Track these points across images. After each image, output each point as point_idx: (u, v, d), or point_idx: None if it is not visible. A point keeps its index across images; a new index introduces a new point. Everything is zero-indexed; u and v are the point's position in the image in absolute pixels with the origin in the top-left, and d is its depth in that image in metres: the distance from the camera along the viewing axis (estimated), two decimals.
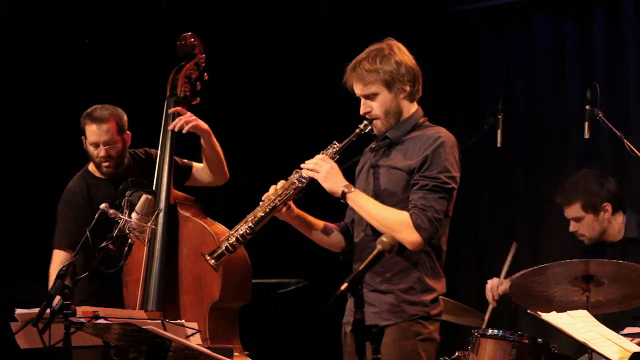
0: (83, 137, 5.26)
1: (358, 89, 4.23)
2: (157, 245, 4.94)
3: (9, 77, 6.65)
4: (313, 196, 4.25)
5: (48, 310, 3.88)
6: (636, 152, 5.41)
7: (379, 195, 4.19)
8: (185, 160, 5.32)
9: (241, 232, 4.18)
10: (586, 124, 5.46)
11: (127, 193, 4.38)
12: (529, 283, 4.97)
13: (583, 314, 4.46)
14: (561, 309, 4.52)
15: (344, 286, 3.10)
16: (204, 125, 5.11)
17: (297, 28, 7.19)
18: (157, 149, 5.22)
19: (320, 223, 4.37)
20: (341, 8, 7.19)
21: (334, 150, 4.22)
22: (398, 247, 3.98)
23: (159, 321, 4.13)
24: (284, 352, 6.95)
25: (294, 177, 4.22)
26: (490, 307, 5.62)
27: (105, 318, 3.92)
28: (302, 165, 4.21)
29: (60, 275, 3.95)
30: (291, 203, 4.26)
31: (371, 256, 3.19)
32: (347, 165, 4.34)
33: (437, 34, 7.27)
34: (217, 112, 7.06)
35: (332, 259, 4.58)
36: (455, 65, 7.25)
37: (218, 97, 6.89)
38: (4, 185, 6.62)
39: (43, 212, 5.46)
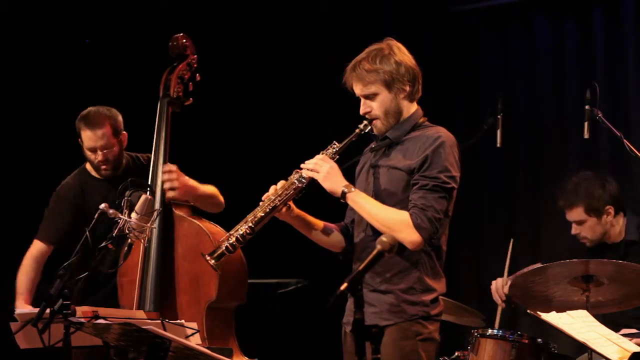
0: (79, 140, 5.27)
1: (358, 89, 4.23)
2: (153, 246, 4.94)
3: (9, 77, 6.65)
4: (313, 196, 4.25)
5: (48, 310, 3.89)
6: (636, 152, 5.41)
7: (379, 195, 4.19)
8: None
9: (241, 232, 4.18)
10: (586, 124, 5.46)
11: (127, 193, 4.39)
12: (529, 283, 4.97)
13: (583, 314, 4.46)
14: (561, 309, 4.52)
15: (343, 286, 3.10)
16: (188, 187, 5.04)
17: (297, 28, 7.19)
18: (180, 166, 5.25)
19: (320, 223, 4.37)
20: (341, 8, 7.19)
21: (334, 150, 4.23)
22: (398, 247, 4.00)
23: (159, 321, 4.13)
24: (284, 352, 6.95)
25: (294, 177, 4.22)
26: (500, 308, 5.62)
27: (105, 318, 3.92)
28: (302, 165, 4.21)
29: (59, 276, 3.95)
30: (291, 203, 4.26)
31: (371, 256, 3.19)
32: (347, 165, 4.34)
33: (437, 34, 7.27)
34: (217, 112, 7.10)
35: (332, 259, 4.58)
36: (455, 65, 7.25)
37: (218, 97, 6.91)
38: (4, 185, 6.62)
39: (43, 212, 5.45)
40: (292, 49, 7.14)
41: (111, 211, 4.25)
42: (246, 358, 4.88)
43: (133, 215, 4.39)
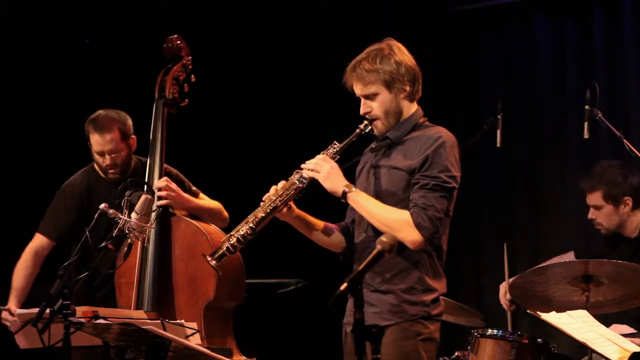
0: (88, 143, 5.26)
1: (358, 89, 4.23)
2: (150, 246, 4.94)
3: (9, 77, 6.64)
4: (313, 196, 4.25)
5: (48, 310, 3.89)
6: (635, 152, 5.42)
7: (380, 195, 4.19)
8: (194, 188, 5.31)
9: (242, 233, 4.18)
10: (586, 124, 5.46)
11: (127, 193, 4.39)
12: (529, 283, 4.97)
13: (583, 314, 4.46)
14: (561, 309, 4.53)
15: (343, 286, 3.10)
16: (181, 197, 5.05)
17: (297, 28, 7.19)
18: (175, 165, 5.25)
19: (320, 223, 4.37)
20: (341, 8, 7.19)
21: (335, 150, 4.22)
22: (398, 247, 4.00)
23: (159, 321, 4.13)
24: (284, 352, 6.95)
25: (294, 177, 4.22)
26: (509, 313, 5.64)
27: (104, 318, 3.92)
28: (302, 166, 4.21)
29: (59, 276, 3.95)
30: (292, 203, 4.26)
31: (371, 256, 3.19)
32: (348, 166, 4.34)
33: (437, 34, 7.27)
34: (217, 112, 7.10)
35: (332, 259, 4.58)
36: (455, 65, 7.25)
37: (218, 97, 6.91)
38: (4, 185, 6.62)
39: (44, 211, 5.45)
40: (292, 49, 7.14)
41: (111, 211, 4.25)
42: (244, 357, 4.88)
43: (133, 215, 4.39)
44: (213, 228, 5.00)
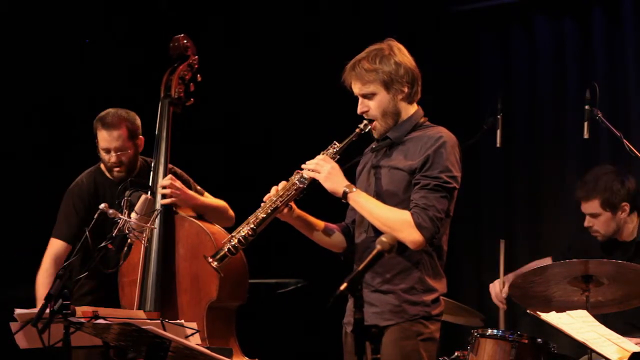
0: (96, 141, 5.26)
1: (356, 88, 4.23)
2: (154, 246, 4.94)
3: (9, 78, 6.64)
4: (314, 197, 4.25)
5: (48, 310, 3.89)
6: (635, 152, 5.42)
7: (380, 196, 4.19)
8: (199, 188, 5.31)
9: (243, 234, 4.19)
10: (586, 124, 5.46)
11: (127, 193, 4.39)
12: (529, 283, 4.97)
13: (582, 314, 4.46)
14: (561, 309, 4.53)
15: (343, 286, 3.10)
16: (186, 195, 5.05)
17: (297, 28, 7.19)
18: (181, 167, 5.25)
19: (321, 223, 4.37)
20: (341, 8, 7.19)
21: (335, 150, 4.23)
22: (399, 247, 4.00)
23: (159, 321, 4.13)
24: (284, 352, 6.95)
25: (295, 177, 4.22)
26: (502, 311, 5.63)
27: (104, 318, 3.92)
28: (303, 166, 4.21)
29: (59, 276, 3.95)
30: (292, 204, 4.26)
31: (370, 256, 3.19)
32: (348, 166, 4.34)
33: (437, 34, 7.27)
34: (217, 113, 7.09)
35: (332, 259, 4.58)
36: (455, 65, 7.25)
37: (218, 97, 6.91)
38: (4, 185, 6.62)
39: (43, 212, 5.45)
40: (292, 49, 7.14)
41: (111, 211, 4.25)
42: (246, 358, 4.88)
43: (133, 215, 4.39)
44: (217, 228, 5.00)
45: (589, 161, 6.72)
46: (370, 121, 4.24)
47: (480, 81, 7.31)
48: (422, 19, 7.22)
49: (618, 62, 6.86)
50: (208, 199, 5.25)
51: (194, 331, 4.16)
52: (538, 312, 4.43)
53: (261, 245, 4.72)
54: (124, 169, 5.22)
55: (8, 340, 4.29)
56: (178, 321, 4.24)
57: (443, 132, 4.21)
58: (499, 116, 5.94)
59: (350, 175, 4.31)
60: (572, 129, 6.82)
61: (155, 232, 4.91)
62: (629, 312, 5.21)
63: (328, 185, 4.16)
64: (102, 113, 5.25)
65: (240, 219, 4.26)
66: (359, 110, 4.24)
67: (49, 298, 3.89)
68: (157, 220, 4.89)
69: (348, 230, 4.39)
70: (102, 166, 5.32)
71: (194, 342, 4.09)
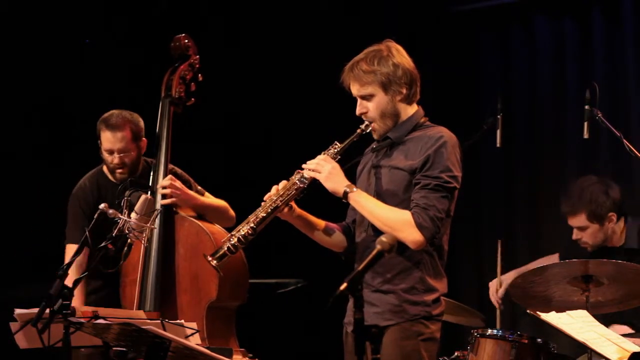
0: (99, 142, 5.25)
1: (355, 90, 4.23)
2: (154, 246, 4.94)
3: (8, 78, 6.65)
4: (314, 196, 4.25)
5: (47, 310, 3.89)
6: (635, 152, 5.41)
7: (381, 196, 4.19)
8: (200, 188, 5.31)
9: (243, 233, 4.19)
10: (585, 124, 5.46)
11: (127, 193, 4.39)
12: (529, 283, 4.97)
13: (582, 314, 4.46)
14: (560, 309, 4.53)
15: (343, 286, 3.10)
16: (186, 195, 5.05)
17: (297, 28, 7.19)
18: (182, 167, 5.25)
19: (321, 223, 4.37)
20: (341, 8, 7.19)
21: (335, 150, 4.23)
22: (399, 247, 4.01)
23: (159, 321, 4.13)
24: (284, 352, 6.95)
25: (295, 177, 4.22)
26: (498, 311, 5.63)
27: (104, 318, 3.92)
28: (303, 166, 4.21)
29: (59, 276, 3.95)
30: (293, 203, 4.26)
31: (370, 256, 3.19)
32: (349, 166, 4.34)
33: (437, 34, 7.27)
34: (218, 112, 7.09)
35: (331, 259, 4.58)
36: (455, 65, 7.25)
37: (218, 97, 6.91)
38: (4, 185, 6.62)
39: (43, 212, 5.45)
40: (292, 49, 7.14)
41: (111, 211, 4.25)
42: (246, 358, 4.88)
43: (133, 215, 4.39)
44: (217, 228, 5.00)
45: (589, 161, 6.73)
46: (371, 122, 4.24)
47: (480, 81, 7.31)
48: (422, 19, 7.22)
49: (618, 62, 6.86)
50: (208, 199, 5.25)
51: (193, 331, 4.16)
52: (538, 312, 4.43)
53: (261, 245, 4.73)
54: (127, 171, 5.22)
55: (8, 340, 4.29)
56: (178, 321, 4.24)
57: (444, 132, 4.21)
58: (499, 116, 5.94)
59: (351, 175, 4.31)
60: (572, 129, 6.82)
61: (155, 232, 4.91)
62: (629, 312, 5.22)
63: (329, 185, 4.16)
64: (106, 114, 5.24)
65: (240, 219, 4.26)
66: (357, 112, 4.24)
67: (48, 298, 3.89)
68: (157, 220, 4.90)
69: (349, 230, 4.39)
70: (104, 168, 5.31)
71: (194, 342, 4.09)
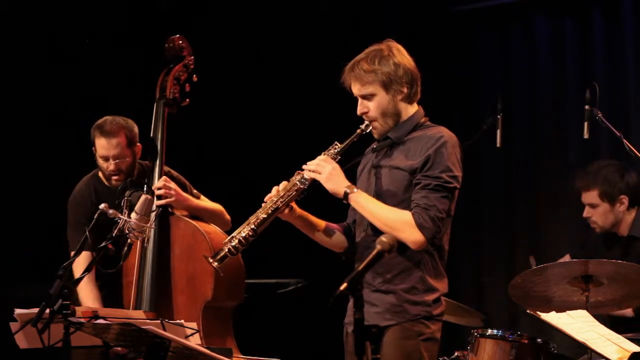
0: (93, 148, 5.24)
1: (355, 89, 4.23)
2: (149, 246, 4.94)
3: (8, 78, 6.64)
4: (315, 196, 4.25)
5: (47, 310, 3.89)
6: (635, 152, 5.42)
7: (381, 196, 4.19)
8: (195, 191, 5.30)
9: (244, 234, 4.18)
10: (585, 124, 5.46)
11: (127, 193, 4.39)
12: (529, 283, 4.97)
13: (582, 314, 4.46)
14: (560, 309, 4.53)
15: (343, 286, 3.10)
16: (180, 197, 5.04)
17: (297, 28, 7.19)
18: (180, 171, 5.25)
19: (322, 223, 4.37)
20: (341, 8, 7.19)
21: (336, 150, 4.22)
22: (400, 247, 4.01)
23: (159, 321, 4.13)
24: (284, 352, 6.94)
25: (295, 178, 4.22)
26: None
27: (104, 318, 3.92)
28: (303, 167, 4.21)
29: (59, 276, 3.95)
30: (293, 204, 4.26)
31: (370, 256, 3.19)
32: (349, 166, 4.34)
33: (437, 34, 7.27)
34: (217, 113, 7.09)
35: (332, 259, 4.58)
36: (455, 65, 7.25)
37: (218, 97, 6.90)
38: (4, 186, 6.62)
39: (43, 212, 5.45)
40: (292, 49, 7.14)
41: (111, 211, 4.25)
42: (244, 357, 4.88)
43: (133, 215, 4.39)
44: (212, 228, 5.00)
45: (589, 161, 6.69)
46: (371, 121, 4.24)
47: (480, 81, 7.32)
48: (422, 19, 7.22)
49: (618, 62, 6.87)
50: (204, 202, 5.24)
51: (193, 331, 4.16)
52: (538, 312, 4.43)
53: (261, 245, 4.72)
54: (123, 177, 5.19)
55: (8, 340, 4.29)
56: (178, 321, 4.24)
57: (444, 132, 4.21)
58: (499, 116, 5.94)
59: (351, 175, 4.31)
60: (572, 129, 6.82)
61: (151, 232, 4.90)
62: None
63: (329, 186, 4.16)
64: (100, 121, 5.22)
65: (240, 221, 4.25)
66: (358, 111, 4.24)
67: (48, 298, 3.89)
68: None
69: (349, 230, 4.39)
70: (99, 173, 5.30)
71: (194, 342, 4.09)
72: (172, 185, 5.01)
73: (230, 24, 7.33)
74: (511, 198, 7.21)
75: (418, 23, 7.14)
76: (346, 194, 4.15)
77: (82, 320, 3.90)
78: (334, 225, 4.38)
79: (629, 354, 4.22)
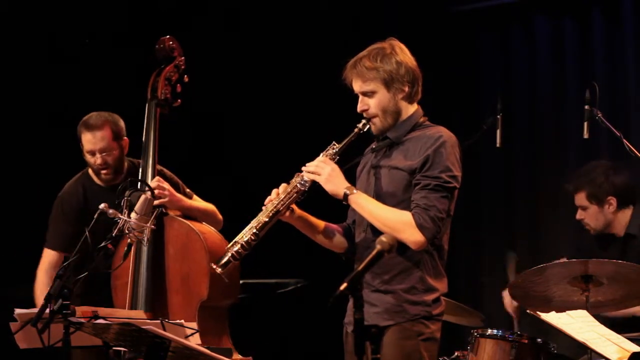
0: (80, 145, 5.25)
1: (357, 86, 4.23)
2: (144, 247, 4.93)
3: (8, 78, 6.64)
4: (315, 197, 4.25)
5: (47, 310, 3.89)
6: (635, 152, 5.42)
7: (380, 196, 4.19)
8: (188, 190, 5.30)
9: (246, 239, 4.18)
10: (585, 124, 5.47)
11: (127, 193, 4.38)
12: (529, 283, 4.97)
13: (582, 314, 4.46)
14: (560, 309, 4.53)
15: (343, 286, 3.10)
16: (173, 198, 5.04)
17: (297, 28, 7.19)
18: (173, 170, 5.25)
19: (322, 224, 4.37)
20: (341, 8, 7.19)
21: (334, 151, 4.23)
22: (400, 247, 4.01)
23: (159, 321, 4.13)
24: (284, 352, 6.95)
25: (295, 180, 4.22)
26: (516, 321, 5.64)
27: (104, 318, 3.92)
28: (303, 168, 4.21)
29: (59, 276, 3.95)
30: (293, 205, 4.26)
31: (370, 256, 3.19)
32: (349, 166, 4.34)
33: (437, 34, 7.27)
34: (217, 113, 7.09)
35: (332, 259, 4.58)
36: (455, 65, 7.25)
37: (218, 97, 6.91)
38: (4, 186, 6.62)
39: (43, 212, 5.45)
40: (292, 49, 7.14)
41: (111, 211, 4.25)
42: (241, 356, 4.88)
43: (133, 215, 4.39)
44: (206, 228, 5.00)
45: (588, 161, 6.71)
46: (369, 120, 4.24)
47: (480, 81, 7.32)
48: (422, 19, 7.22)
49: (618, 62, 6.87)
50: (197, 202, 5.24)
51: (194, 331, 4.16)
52: (538, 312, 4.43)
53: (261, 245, 4.72)
54: (111, 171, 5.21)
55: (8, 340, 4.29)
56: (178, 321, 4.24)
57: (443, 132, 4.21)
58: (499, 116, 5.94)
59: (350, 175, 4.31)
60: (572, 129, 6.82)
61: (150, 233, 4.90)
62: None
63: (329, 187, 4.16)
64: (85, 117, 5.25)
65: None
66: (359, 108, 4.24)
67: (48, 298, 3.89)
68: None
69: (349, 231, 4.39)
70: (90, 172, 5.31)
71: (194, 342, 4.09)
72: (166, 185, 5.01)
73: (229, 24, 7.33)
74: (511, 198, 7.21)
75: (418, 23, 7.14)
76: (346, 195, 4.16)
77: (82, 320, 3.90)
78: (334, 226, 4.38)
79: (629, 354, 4.22)
